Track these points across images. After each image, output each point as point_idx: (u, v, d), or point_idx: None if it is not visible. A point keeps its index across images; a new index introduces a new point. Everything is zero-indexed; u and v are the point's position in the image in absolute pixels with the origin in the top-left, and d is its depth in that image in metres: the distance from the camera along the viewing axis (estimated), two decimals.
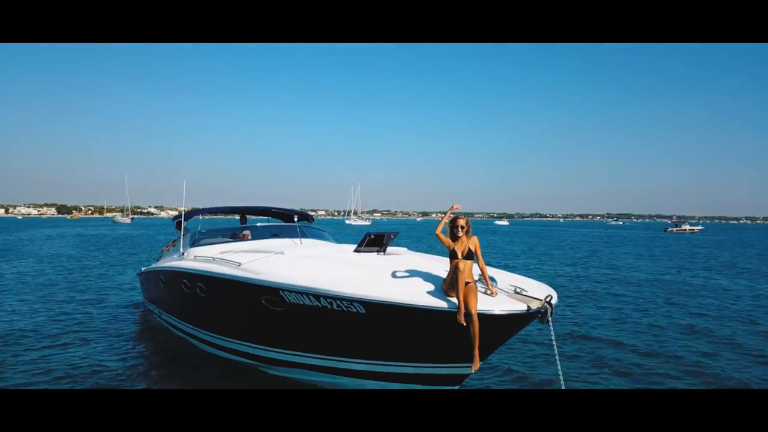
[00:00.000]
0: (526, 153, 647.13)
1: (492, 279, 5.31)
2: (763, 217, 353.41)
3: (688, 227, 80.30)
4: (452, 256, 4.97)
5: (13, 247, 30.46)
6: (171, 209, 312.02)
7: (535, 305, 4.81)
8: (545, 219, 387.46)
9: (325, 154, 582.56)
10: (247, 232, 9.23)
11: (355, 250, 6.76)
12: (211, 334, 7.45)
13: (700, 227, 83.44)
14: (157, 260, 11.12)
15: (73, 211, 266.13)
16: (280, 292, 5.72)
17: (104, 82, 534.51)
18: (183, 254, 8.70)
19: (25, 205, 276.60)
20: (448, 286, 4.91)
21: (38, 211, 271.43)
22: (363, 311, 5.13)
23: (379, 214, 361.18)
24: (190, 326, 8.06)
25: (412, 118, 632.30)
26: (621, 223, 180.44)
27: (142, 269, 11.17)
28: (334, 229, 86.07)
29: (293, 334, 6.07)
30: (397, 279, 5.43)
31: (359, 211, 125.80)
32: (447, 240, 5.08)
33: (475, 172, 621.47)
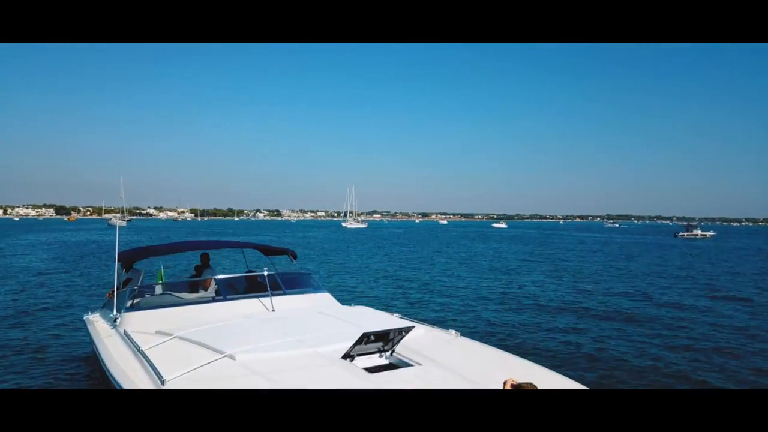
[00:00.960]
0: (525, 154, 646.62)
1: None
2: (764, 219, 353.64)
3: (699, 232, 75.20)
4: None
5: None
6: (170, 210, 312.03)
7: None
8: (545, 220, 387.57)
9: (325, 154, 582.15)
10: (210, 279, 7.74)
11: (345, 356, 5.09)
12: None
13: (712, 233, 77.43)
14: (101, 308, 8.67)
15: (72, 213, 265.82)
16: None
17: (103, 82, 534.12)
18: (116, 321, 6.96)
19: (23, 206, 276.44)
20: None
21: (36, 212, 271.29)
22: None
23: (379, 215, 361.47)
24: None
25: (412, 119, 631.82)
26: (617, 225, 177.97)
27: (89, 316, 8.44)
28: (331, 233, 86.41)
29: None
30: None
31: (355, 212, 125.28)
32: None
33: (475, 173, 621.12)
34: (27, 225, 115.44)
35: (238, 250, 8.63)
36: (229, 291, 7.38)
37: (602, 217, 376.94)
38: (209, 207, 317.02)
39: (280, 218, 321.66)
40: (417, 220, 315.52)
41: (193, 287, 7.87)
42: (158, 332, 6.09)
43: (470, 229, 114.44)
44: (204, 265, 8.74)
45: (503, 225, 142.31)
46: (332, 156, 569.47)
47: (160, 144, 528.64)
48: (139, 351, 5.49)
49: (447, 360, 5.11)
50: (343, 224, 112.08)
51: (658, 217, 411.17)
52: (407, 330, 5.26)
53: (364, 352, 5.18)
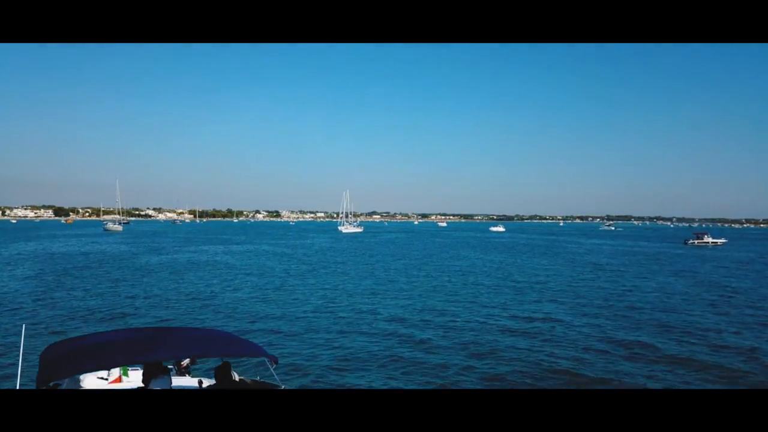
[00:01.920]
0: (526, 154, 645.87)
1: None
2: (764, 220, 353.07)
3: (710, 239, 71.61)
4: None
5: None
6: (169, 211, 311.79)
7: None
8: (545, 221, 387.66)
9: (325, 154, 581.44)
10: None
11: None
12: None
13: (723, 240, 74.64)
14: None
15: (70, 214, 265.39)
16: None
17: (104, 81, 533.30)
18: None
19: (22, 207, 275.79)
20: None
21: (35, 213, 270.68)
22: None
23: (379, 216, 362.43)
24: None
25: (412, 118, 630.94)
26: (613, 228, 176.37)
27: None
28: (327, 237, 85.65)
29: None
30: None
31: (351, 216, 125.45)
32: None
33: (475, 175, 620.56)
34: (23, 229, 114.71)
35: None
36: None
37: (602, 218, 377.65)
38: (209, 208, 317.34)
39: (279, 219, 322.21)
40: (416, 222, 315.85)
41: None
42: None
43: (468, 234, 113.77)
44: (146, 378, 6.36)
45: (501, 228, 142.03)
46: (332, 156, 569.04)
47: (161, 144, 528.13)
48: None
49: None
50: (339, 227, 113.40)
51: (658, 218, 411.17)
52: None
53: None
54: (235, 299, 21.32)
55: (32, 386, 6.19)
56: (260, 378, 7.38)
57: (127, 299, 21.22)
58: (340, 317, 17.74)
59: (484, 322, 17.03)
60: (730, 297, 23.26)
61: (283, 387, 6.39)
